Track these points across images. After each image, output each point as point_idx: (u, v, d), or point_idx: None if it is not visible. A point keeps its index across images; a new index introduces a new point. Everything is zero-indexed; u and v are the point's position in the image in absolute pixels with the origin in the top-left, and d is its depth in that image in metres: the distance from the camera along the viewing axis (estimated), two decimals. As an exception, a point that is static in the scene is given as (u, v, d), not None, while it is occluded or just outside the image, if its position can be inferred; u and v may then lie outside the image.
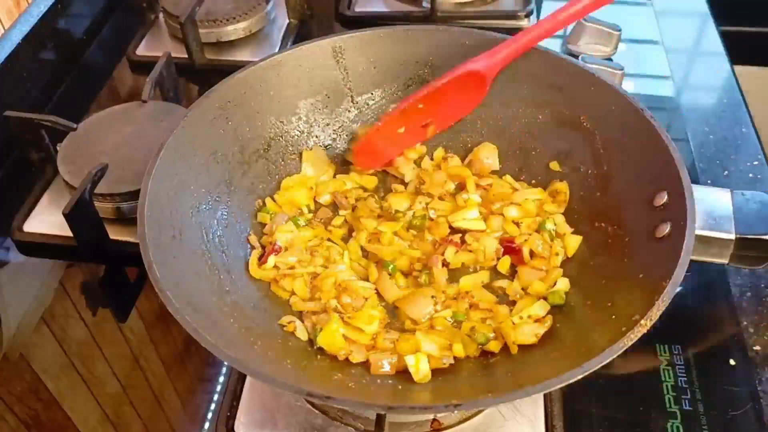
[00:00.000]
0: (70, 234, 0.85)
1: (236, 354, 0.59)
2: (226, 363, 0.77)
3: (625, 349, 0.57)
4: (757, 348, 0.79)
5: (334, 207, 0.85)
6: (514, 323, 0.72)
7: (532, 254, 0.78)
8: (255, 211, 0.83)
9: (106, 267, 0.90)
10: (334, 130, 0.89)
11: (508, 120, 0.87)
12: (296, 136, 0.87)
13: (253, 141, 0.83)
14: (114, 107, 1.01)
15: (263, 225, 0.82)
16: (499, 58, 0.79)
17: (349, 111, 0.90)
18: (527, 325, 0.71)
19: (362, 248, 0.80)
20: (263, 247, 0.79)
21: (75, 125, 0.96)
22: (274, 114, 0.85)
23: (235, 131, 0.82)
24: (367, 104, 0.90)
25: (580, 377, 0.56)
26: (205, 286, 0.69)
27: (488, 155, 0.87)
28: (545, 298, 0.74)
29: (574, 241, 0.78)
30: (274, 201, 0.84)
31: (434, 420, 0.71)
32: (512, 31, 1.22)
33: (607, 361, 0.56)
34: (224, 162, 0.80)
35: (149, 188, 0.69)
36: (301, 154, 0.87)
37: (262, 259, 0.77)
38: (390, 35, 0.87)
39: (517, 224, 0.81)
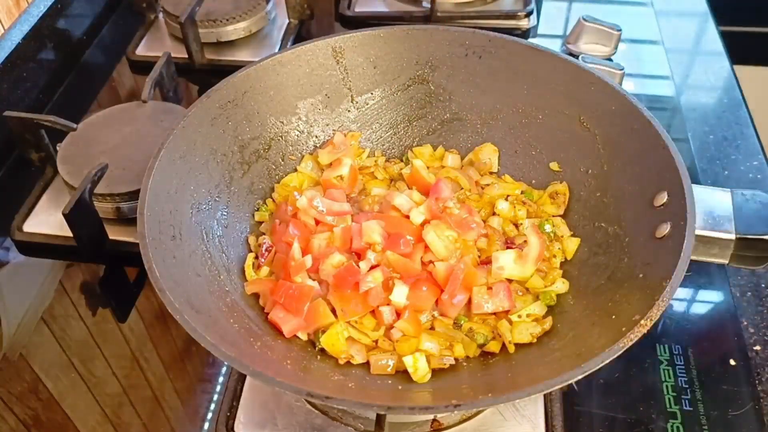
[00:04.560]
0: (70, 234, 0.85)
1: (236, 354, 0.59)
2: (226, 363, 0.78)
3: (625, 349, 0.57)
4: (757, 348, 0.79)
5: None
6: (512, 322, 0.72)
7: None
8: (255, 212, 0.83)
9: (106, 267, 0.90)
10: (334, 130, 0.89)
11: (508, 120, 0.87)
12: (296, 136, 0.87)
13: (253, 141, 0.83)
14: (114, 107, 1.01)
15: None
16: None
17: (349, 111, 0.90)
18: (524, 324, 0.71)
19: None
20: (257, 255, 0.79)
21: (75, 125, 0.96)
22: (274, 114, 0.85)
23: (235, 131, 0.82)
24: (367, 104, 0.90)
25: (580, 377, 0.56)
26: (204, 286, 0.69)
27: (488, 156, 0.87)
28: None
29: (572, 244, 0.78)
30: (274, 201, 0.84)
31: (434, 420, 0.71)
32: (512, 32, 1.23)
33: (608, 361, 0.56)
34: (224, 162, 0.80)
35: (149, 188, 0.69)
36: (302, 155, 0.88)
37: (255, 265, 0.77)
38: (390, 35, 0.87)
39: (516, 226, 0.81)
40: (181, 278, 0.66)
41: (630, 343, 0.57)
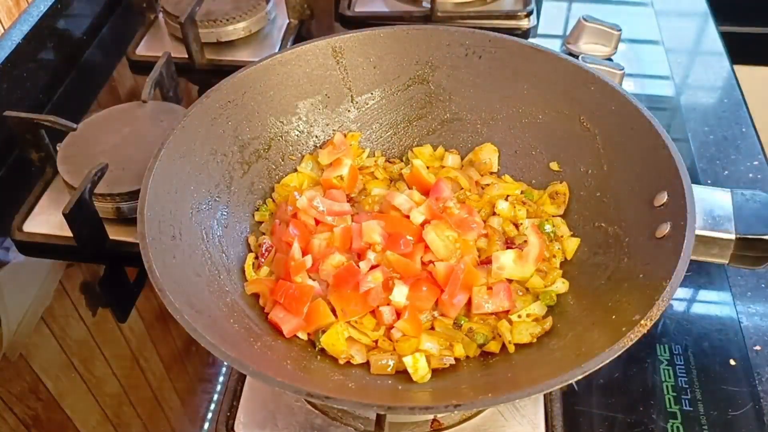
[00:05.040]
0: (70, 234, 0.85)
1: (236, 354, 0.59)
2: (226, 363, 0.78)
3: (625, 349, 0.57)
4: (757, 348, 0.79)
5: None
6: (512, 322, 0.72)
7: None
8: (255, 212, 0.83)
9: (106, 267, 0.90)
10: (334, 130, 0.89)
11: (508, 120, 0.87)
12: (296, 136, 0.87)
13: (253, 141, 0.83)
14: (114, 107, 1.01)
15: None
16: None
17: (349, 111, 0.90)
18: (524, 325, 0.71)
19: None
20: (257, 255, 0.79)
21: (75, 125, 0.96)
22: (274, 114, 0.85)
23: (235, 131, 0.82)
24: (367, 104, 0.90)
25: (580, 377, 0.56)
26: (204, 286, 0.69)
27: (488, 156, 0.87)
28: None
29: (572, 244, 0.78)
30: (274, 201, 0.84)
31: (434, 420, 0.71)
32: (512, 32, 1.23)
33: (608, 361, 0.56)
34: (224, 162, 0.80)
35: (149, 188, 0.69)
36: (302, 155, 0.88)
37: (255, 265, 0.77)
38: (390, 35, 0.87)
39: (516, 226, 0.81)
40: (181, 278, 0.66)
41: (630, 343, 0.57)
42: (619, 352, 0.57)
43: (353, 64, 0.87)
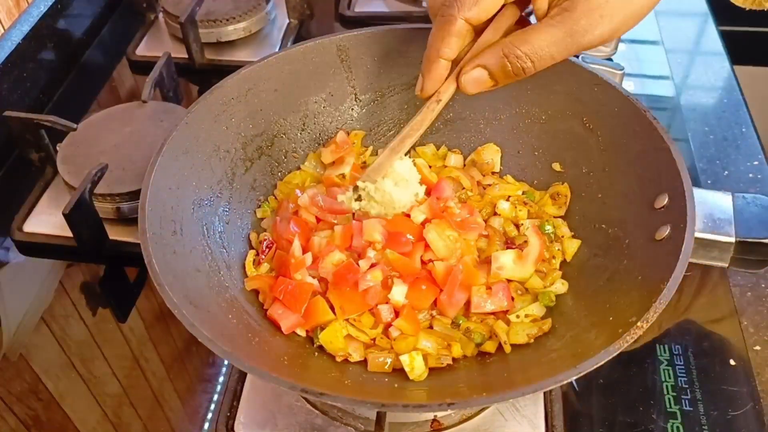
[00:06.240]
0: (70, 234, 0.85)
1: (232, 349, 0.58)
2: (226, 363, 0.78)
3: (620, 351, 0.57)
4: (757, 348, 0.79)
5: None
6: (509, 323, 0.72)
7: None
8: (256, 208, 0.83)
9: (106, 267, 0.90)
10: (337, 128, 0.89)
11: (510, 120, 0.87)
12: (299, 134, 0.87)
13: (256, 138, 0.83)
14: (114, 107, 1.01)
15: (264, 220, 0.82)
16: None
17: (352, 109, 0.90)
18: (522, 326, 0.71)
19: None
20: (258, 252, 0.79)
21: (75, 125, 0.96)
22: (278, 111, 0.85)
23: (238, 128, 0.81)
24: (371, 102, 0.90)
25: (574, 378, 0.56)
26: (204, 281, 0.69)
27: (491, 156, 0.87)
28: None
29: (572, 245, 0.77)
30: (276, 198, 0.84)
31: (434, 420, 0.71)
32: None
33: (602, 362, 0.56)
34: (227, 158, 0.80)
35: (151, 183, 0.68)
36: (305, 153, 0.88)
37: (255, 262, 0.77)
38: (395, 34, 0.86)
39: (517, 226, 0.81)
40: (181, 273, 0.66)
41: (625, 345, 0.57)
42: (614, 354, 0.56)
43: (358, 63, 0.87)
